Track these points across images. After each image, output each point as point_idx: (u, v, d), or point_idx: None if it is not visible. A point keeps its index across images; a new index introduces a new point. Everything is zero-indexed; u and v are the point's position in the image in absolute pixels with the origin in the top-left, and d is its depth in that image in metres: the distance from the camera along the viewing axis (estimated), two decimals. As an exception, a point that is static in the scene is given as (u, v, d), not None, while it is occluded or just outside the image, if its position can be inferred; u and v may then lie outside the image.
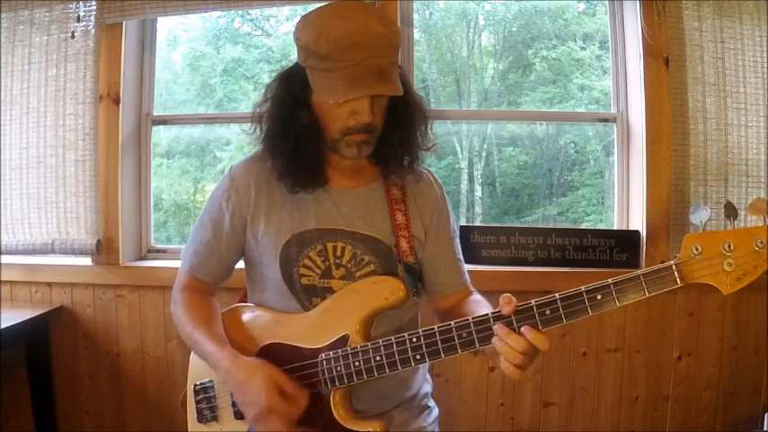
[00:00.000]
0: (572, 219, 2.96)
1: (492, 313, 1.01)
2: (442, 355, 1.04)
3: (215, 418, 1.22)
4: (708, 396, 2.14)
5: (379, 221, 1.21)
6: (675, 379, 2.13)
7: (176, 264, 2.25)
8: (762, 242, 0.92)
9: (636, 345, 2.13)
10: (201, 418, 1.23)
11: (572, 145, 2.99)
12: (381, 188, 1.24)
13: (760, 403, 2.12)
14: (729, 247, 0.94)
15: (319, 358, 1.11)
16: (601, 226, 2.74)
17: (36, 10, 2.21)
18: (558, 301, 0.97)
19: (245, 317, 1.24)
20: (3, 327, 1.91)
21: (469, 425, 2.16)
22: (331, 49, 1.05)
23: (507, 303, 1.00)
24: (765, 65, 2.06)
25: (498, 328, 0.99)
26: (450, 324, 1.04)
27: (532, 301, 0.99)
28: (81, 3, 2.17)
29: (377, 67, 1.06)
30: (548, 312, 0.98)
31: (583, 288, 0.97)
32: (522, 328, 0.98)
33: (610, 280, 0.96)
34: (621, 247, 2.15)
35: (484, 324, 1.01)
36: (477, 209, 3.13)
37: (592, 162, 2.93)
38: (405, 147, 1.21)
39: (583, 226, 2.83)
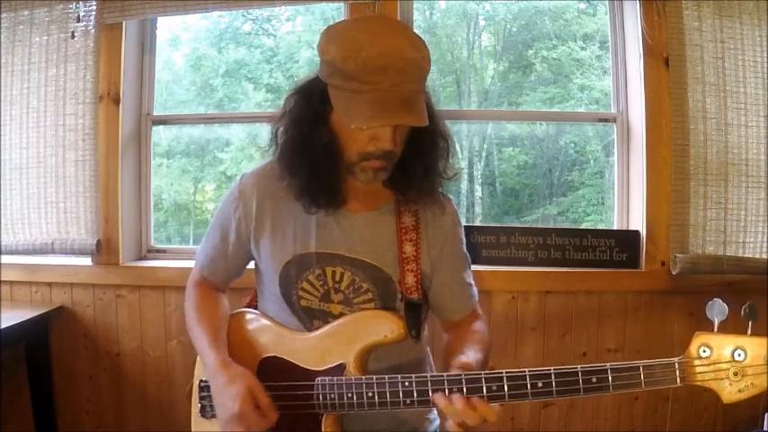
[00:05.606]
0: (572, 219, 2.95)
1: (485, 373, 0.99)
2: (432, 405, 1.03)
3: (215, 416, 1.23)
4: (708, 396, 2.13)
5: (383, 249, 1.18)
6: (675, 379, 2.13)
7: (176, 264, 2.27)
8: None
9: (636, 345, 2.13)
10: (204, 414, 1.25)
11: (572, 145, 2.99)
12: (392, 214, 1.20)
13: (760, 403, 2.12)
14: (741, 354, 0.88)
15: (316, 381, 1.11)
16: (601, 226, 2.74)
17: (36, 10, 2.21)
18: (553, 375, 0.96)
19: (252, 324, 1.25)
20: (3, 327, 1.91)
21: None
22: (359, 69, 1.00)
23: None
24: (765, 65, 2.06)
25: (456, 398, 0.97)
26: (442, 376, 1.02)
27: (526, 370, 0.97)
28: (81, 3, 2.17)
29: (404, 94, 1.01)
30: (540, 385, 0.96)
31: (579, 368, 0.95)
32: (473, 400, 0.96)
33: (608, 365, 0.94)
34: (621, 247, 2.15)
35: (475, 384, 0.99)
36: (477, 209, 3.13)
37: (592, 162, 2.92)
38: (427, 176, 1.16)
39: (583, 226, 2.83)
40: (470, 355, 1.08)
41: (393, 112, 1.01)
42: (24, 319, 2.05)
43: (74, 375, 2.27)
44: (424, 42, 1.06)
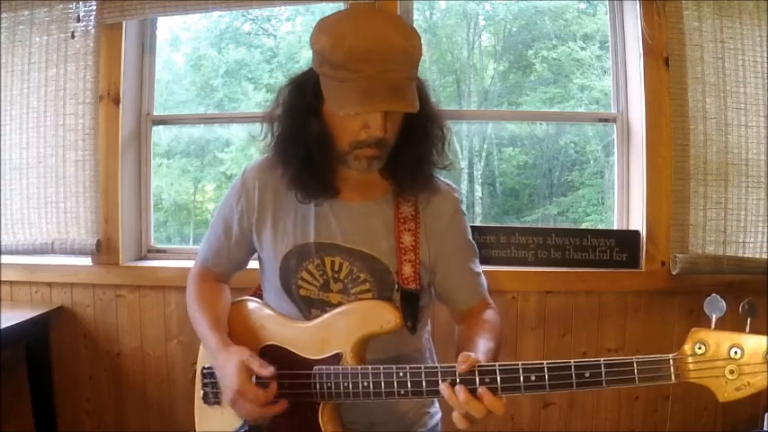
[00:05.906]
0: (572, 219, 2.95)
1: (478, 366, 0.97)
2: (425, 396, 1.03)
3: (218, 402, 1.23)
4: (708, 395, 2.13)
5: (379, 239, 1.17)
6: (675, 379, 2.13)
7: (176, 264, 2.27)
8: None
9: (636, 345, 2.13)
10: (207, 400, 1.25)
11: (572, 145, 2.99)
12: (390, 204, 1.19)
13: (760, 403, 2.12)
14: (737, 352, 0.86)
15: (313, 370, 1.11)
16: (601, 226, 2.74)
17: (36, 10, 2.21)
18: (546, 369, 0.95)
19: (253, 313, 1.26)
20: (3, 327, 1.91)
21: (469, 425, 2.15)
22: (346, 58, 1.01)
23: (464, 362, 0.97)
24: (765, 65, 2.06)
25: (459, 389, 0.96)
26: (436, 367, 1.02)
27: (519, 363, 0.97)
28: (81, 3, 2.17)
29: (392, 81, 1.01)
30: (533, 378, 0.95)
31: (572, 362, 0.94)
32: (480, 391, 0.95)
33: (601, 360, 0.93)
34: (621, 247, 2.15)
35: (468, 375, 0.97)
36: (477, 209, 3.13)
37: (592, 162, 2.93)
38: (420, 165, 1.16)
39: (583, 226, 2.83)
40: (481, 346, 1.07)
41: (380, 98, 1.02)
42: (24, 319, 2.05)
43: (74, 375, 2.27)
44: (414, 31, 1.07)
